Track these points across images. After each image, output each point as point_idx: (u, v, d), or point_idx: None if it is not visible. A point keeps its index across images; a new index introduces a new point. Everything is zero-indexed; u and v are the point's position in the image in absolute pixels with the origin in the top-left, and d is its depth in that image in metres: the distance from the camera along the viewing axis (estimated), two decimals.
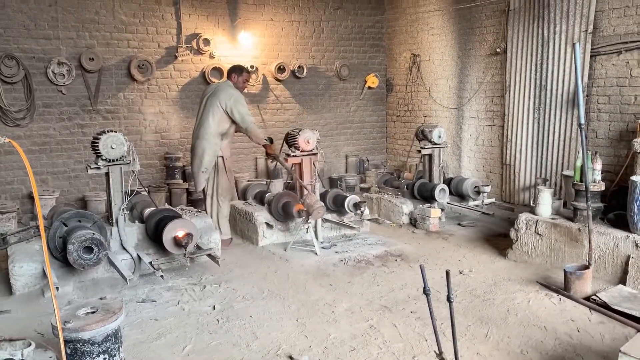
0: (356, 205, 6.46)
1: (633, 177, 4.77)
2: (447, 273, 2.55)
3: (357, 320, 4.25)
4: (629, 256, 4.65)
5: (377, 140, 10.74)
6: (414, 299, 4.60)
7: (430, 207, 6.95)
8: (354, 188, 9.14)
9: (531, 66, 7.49)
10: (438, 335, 2.59)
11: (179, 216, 5.56)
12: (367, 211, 6.76)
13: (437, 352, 2.55)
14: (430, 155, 7.47)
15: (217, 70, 8.83)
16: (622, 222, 4.94)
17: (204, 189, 6.50)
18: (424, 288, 2.55)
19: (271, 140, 6.33)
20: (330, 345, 3.83)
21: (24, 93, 7.69)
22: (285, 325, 4.20)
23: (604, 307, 4.17)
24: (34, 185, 2.33)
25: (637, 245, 4.63)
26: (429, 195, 7.19)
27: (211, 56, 8.86)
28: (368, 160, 10.30)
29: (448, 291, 2.49)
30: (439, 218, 6.93)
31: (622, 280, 4.67)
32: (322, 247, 6.12)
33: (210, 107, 6.22)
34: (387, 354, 3.69)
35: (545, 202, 5.46)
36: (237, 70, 6.51)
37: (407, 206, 7.30)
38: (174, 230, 5.25)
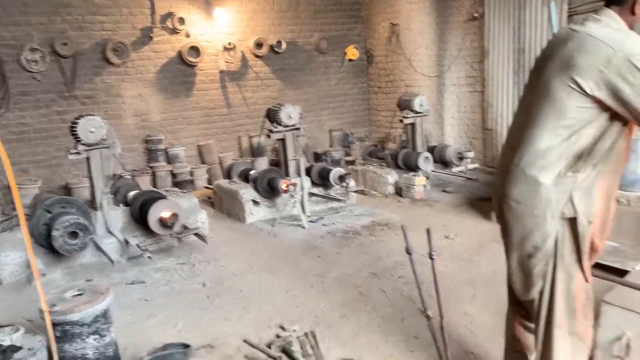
0: (341, 178, 6.53)
1: None
2: (428, 231, 2.59)
3: (346, 289, 4.31)
4: None
5: (360, 113, 10.69)
6: (402, 265, 4.67)
7: (414, 175, 7.03)
8: (339, 162, 9.16)
9: (509, 30, 7.46)
10: (422, 292, 2.65)
11: (163, 197, 5.56)
12: (352, 183, 6.81)
13: (422, 309, 2.60)
14: (412, 125, 7.52)
15: (194, 50, 8.69)
16: None
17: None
18: (406, 248, 2.61)
19: None
20: (320, 314, 3.90)
21: None
22: (276, 297, 4.24)
23: None
24: (10, 173, 2.28)
25: None
26: (413, 164, 7.26)
27: (187, 35, 8.70)
28: (352, 134, 10.27)
29: (429, 249, 2.55)
30: (424, 186, 7.02)
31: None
32: (310, 221, 6.18)
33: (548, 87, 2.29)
34: (376, 319, 3.77)
35: None
36: None
37: (392, 176, 7.35)
38: (159, 211, 5.26)
